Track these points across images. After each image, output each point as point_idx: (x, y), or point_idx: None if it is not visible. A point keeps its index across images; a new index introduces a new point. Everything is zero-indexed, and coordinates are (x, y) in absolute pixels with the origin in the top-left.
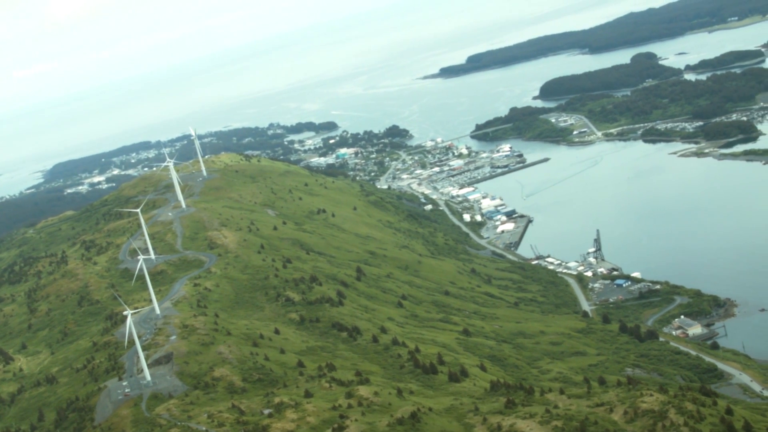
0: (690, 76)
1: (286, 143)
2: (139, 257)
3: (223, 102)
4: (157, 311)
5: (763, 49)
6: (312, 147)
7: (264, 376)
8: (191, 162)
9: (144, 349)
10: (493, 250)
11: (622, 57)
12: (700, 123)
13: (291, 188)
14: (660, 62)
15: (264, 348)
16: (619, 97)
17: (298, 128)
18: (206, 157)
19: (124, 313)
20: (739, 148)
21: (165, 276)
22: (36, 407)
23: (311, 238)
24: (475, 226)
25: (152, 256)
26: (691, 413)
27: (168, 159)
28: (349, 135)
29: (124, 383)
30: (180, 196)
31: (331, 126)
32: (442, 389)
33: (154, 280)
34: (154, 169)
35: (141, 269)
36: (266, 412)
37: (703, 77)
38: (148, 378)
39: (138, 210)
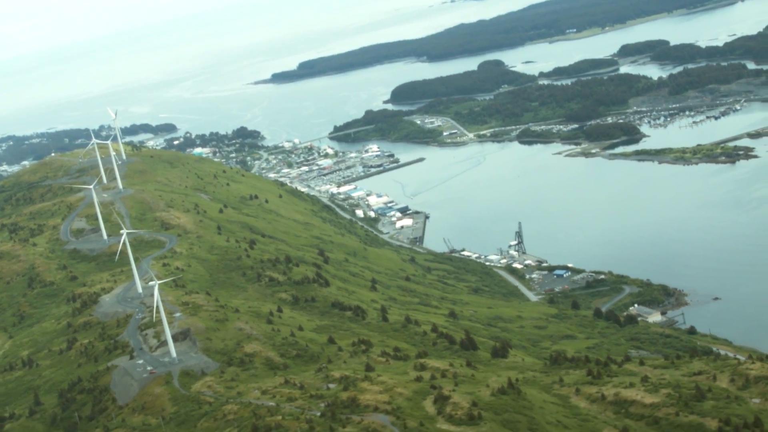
0: (544, 82)
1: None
2: (122, 232)
3: (40, 105)
4: (139, 290)
5: (616, 58)
6: (157, 147)
7: (302, 351)
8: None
9: (148, 326)
10: (399, 244)
11: (465, 65)
12: (575, 126)
13: (214, 174)
14: (510, 69)
15: (279, 325)
16: (485, 100)
17: (134, 130)
18: (90, 146)
19: (150, 283)
20: (625, 149)
21: (124, 256)
22: (20, 391)
23: (258, 222)
24: (371, 221)
25: (104, 236)
26: None
27: (95, 139)
28: (194, 136)
29: (140, 361)
30: (117, 177)
31: (170, 128)
32: (494, 364)
33: (112, 261)
34: (89, 147)
35: (125, 244)
36: (331, 386)
37: (562, 83)
38: (174, 355)
39: (92, 187)
